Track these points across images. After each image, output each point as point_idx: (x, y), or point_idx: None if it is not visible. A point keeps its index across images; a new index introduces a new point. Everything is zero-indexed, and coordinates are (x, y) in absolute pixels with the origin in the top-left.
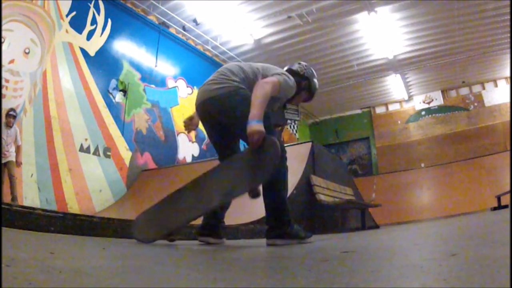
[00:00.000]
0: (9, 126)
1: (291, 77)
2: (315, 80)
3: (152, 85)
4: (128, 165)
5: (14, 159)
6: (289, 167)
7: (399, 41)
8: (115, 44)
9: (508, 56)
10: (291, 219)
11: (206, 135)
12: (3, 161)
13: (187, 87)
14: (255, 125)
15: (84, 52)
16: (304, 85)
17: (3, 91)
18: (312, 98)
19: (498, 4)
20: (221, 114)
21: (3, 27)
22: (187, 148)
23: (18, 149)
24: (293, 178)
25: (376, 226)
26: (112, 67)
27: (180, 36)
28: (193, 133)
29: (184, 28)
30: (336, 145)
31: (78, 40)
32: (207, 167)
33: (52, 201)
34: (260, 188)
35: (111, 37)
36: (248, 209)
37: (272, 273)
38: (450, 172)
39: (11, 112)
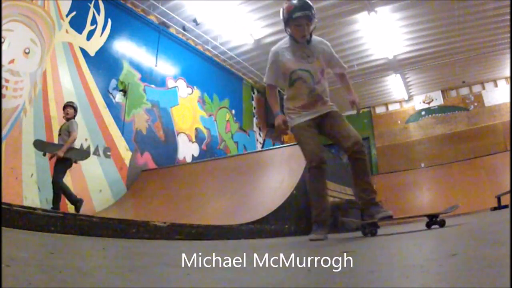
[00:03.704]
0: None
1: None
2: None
3: (152, 85)
4: (128, 165)
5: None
6: (289, 167)
7: (399, 41)
8: (115, 44)
9: (508, 56)
10: None
11: (206, 136)
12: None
13: (187, 87)
14: None
15: (84, 52)
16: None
17: (3, 91)
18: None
19: (498, 4)
20: None
21: (3, 27)
22: (187, 148)
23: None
24: (293, 178)
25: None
26: (112, 67)
27: (180, 36)
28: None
29: (184, 28)
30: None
31: (78, 40)
32: (207, 167)
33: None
34: None
35: (111, 37)
36: (248, 209)
37: (272, 273)
38: (450, 172)
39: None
